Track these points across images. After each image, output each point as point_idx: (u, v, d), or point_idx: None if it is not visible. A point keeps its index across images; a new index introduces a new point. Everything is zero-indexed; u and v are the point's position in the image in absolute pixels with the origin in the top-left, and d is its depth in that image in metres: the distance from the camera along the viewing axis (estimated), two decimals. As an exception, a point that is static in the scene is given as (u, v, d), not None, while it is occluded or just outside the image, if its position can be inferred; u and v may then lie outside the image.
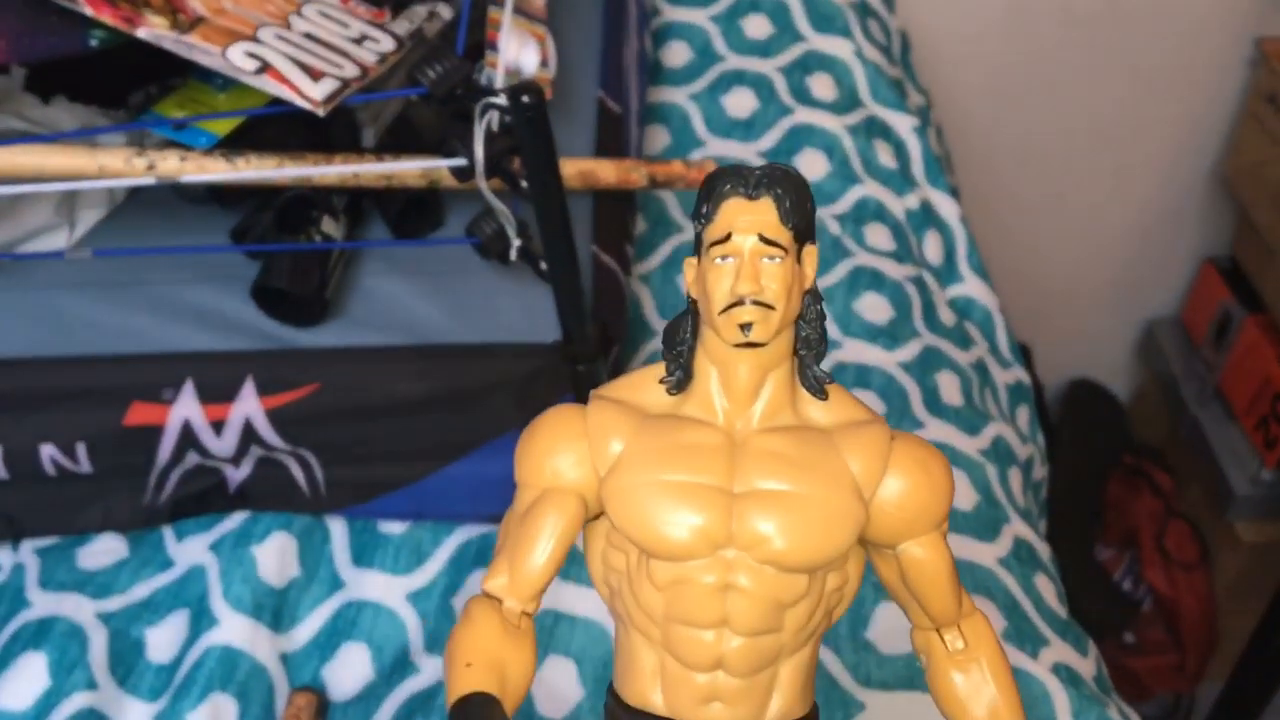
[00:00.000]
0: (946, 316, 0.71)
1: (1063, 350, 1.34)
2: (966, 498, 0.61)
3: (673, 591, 0.24)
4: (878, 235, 0.73)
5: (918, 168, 0.78)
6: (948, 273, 0.76)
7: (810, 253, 0.26)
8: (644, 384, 0.26)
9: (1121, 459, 1.31)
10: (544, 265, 0.55)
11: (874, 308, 0.68)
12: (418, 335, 0.58)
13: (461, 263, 0.59)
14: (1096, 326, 1.37)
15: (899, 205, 0.75)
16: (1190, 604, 1.23)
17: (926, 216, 0.76)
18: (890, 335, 0.67)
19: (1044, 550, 0.62)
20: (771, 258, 0.25)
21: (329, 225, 0.59)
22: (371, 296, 0.59)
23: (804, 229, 0.26)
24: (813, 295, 0.26)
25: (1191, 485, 1.27)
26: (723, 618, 0.24)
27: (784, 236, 0.25)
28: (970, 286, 0.76)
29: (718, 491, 0.24)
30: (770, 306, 0.25)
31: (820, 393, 0.26)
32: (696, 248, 0.26)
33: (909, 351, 0.66)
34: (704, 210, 0.26)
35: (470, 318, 0.58)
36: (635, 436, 0.25)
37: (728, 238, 0.25)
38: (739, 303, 0.24)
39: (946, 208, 0.78)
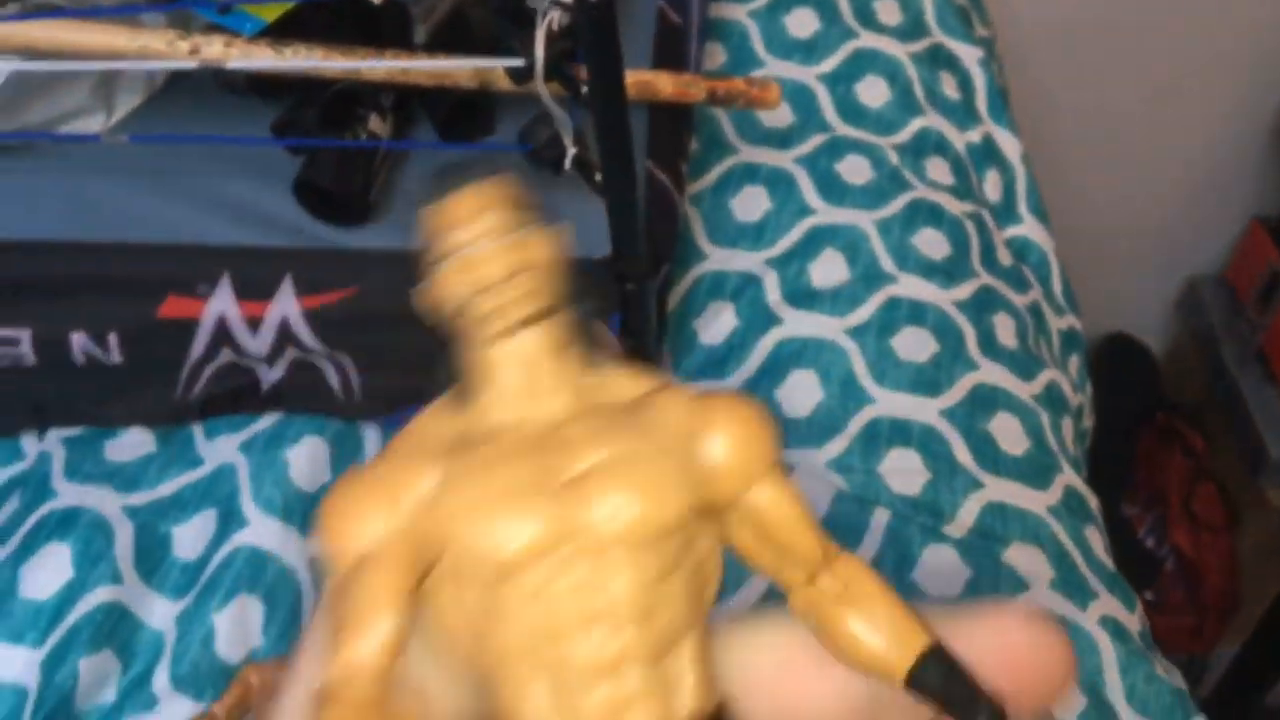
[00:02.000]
0: (1004, 257, 0.69)
1: (1100, 303, 1.31)
2: (1018, 443, 0.59)
3: (542, 601, 0.21)
4: (938, 169, 0.70)
5: (982, 101, 0.75)
6: (1006, 212, 0.74)
7: None
8: (427, 424, 0.23)
9: (1154, 417, 1.29)
10: (599, 177, 0.53)
11: (931, 243, 0.65)
12: (463, 242, 0.56)
13: (512, 170, 0.56)
14: (1137, 280, 1.34)
15: (960, 139, 0.73)
16: (1213, 567, 1.22)
17: (988, 153, 0.74)
18: (947, 273, 0.64)
19: (1093, 502, 0.61)
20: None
21: (375, 124, 0.57)
22: (416, 201, 0.57)
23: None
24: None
25: (1224, 447, 1.25)
26: (603, 610, 0.21)
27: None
28: (1028, 228, 0.74)
29: (548, 480, 0.22)
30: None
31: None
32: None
33: (965, 290, 0.64)
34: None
35: (518, 227, 0.56)
36: (449, 462, 0.22)
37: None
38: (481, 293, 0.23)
39: (1009, 145, 0.75)
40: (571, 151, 0.53)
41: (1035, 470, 0.58)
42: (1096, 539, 0.58)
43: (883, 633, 0.22)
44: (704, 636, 0.22)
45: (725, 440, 0.22)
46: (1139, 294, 1.35)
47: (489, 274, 0.22)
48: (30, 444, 0.57)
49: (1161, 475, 1.27)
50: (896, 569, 0.52)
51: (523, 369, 0.22)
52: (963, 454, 0.58)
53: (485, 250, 0.23)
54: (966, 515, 0.56)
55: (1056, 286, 0.74)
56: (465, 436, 0.22)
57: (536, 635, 0.21)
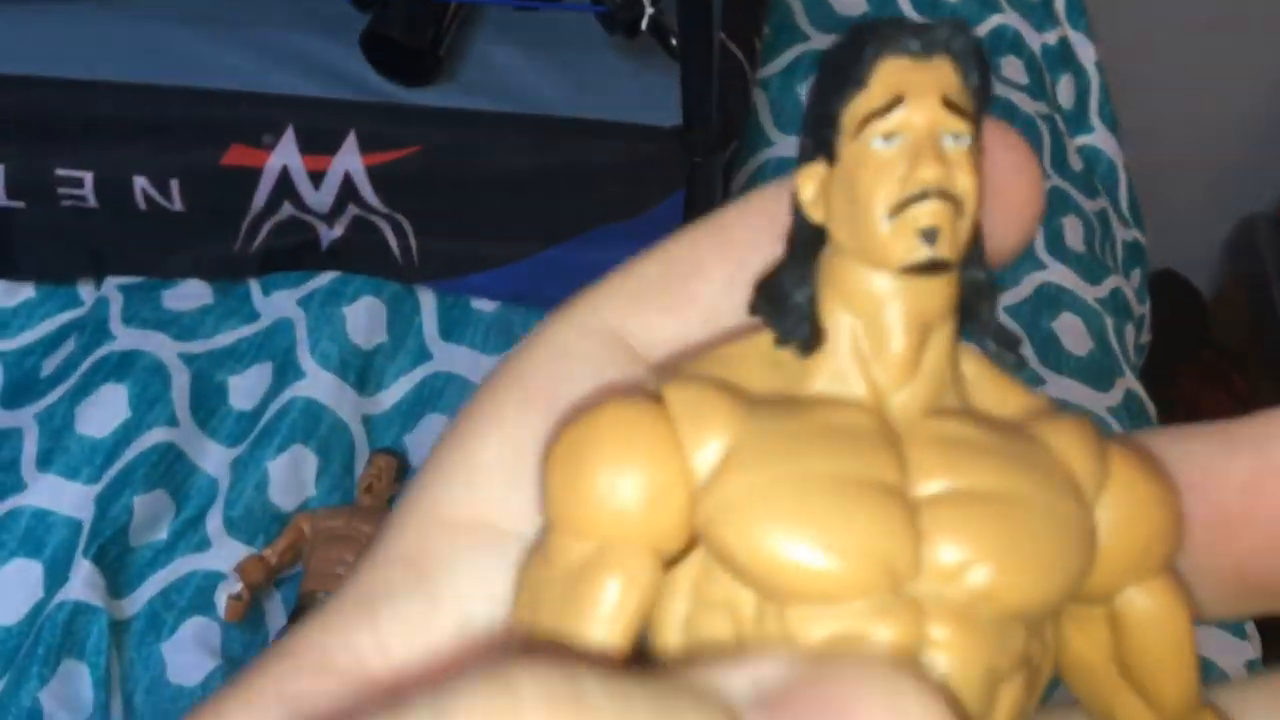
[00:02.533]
0: (1075, 162, 0.68)
1: (1151, 239, 1.29)
2: (1082, 343, 0.58)
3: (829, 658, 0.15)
4: (1012, 67, 0.68)
5: (1060, 3, 0.73)
6: (1077, 119, 0.72)
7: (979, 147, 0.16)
8: (738, 359, 0.16)
9: (1198, 357, 1.27)
10: (675, 41, 0.52)
11: (1003, 140, 0.64)
12: (529, 106, 0.55)
13: (584, 34, 0.55)
14: (1188, 217, 1.32)
15: (1036, 40, 0.71)
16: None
17: (1063, 56, 0.72)
18: (1017, 171, 0.63)
19: (1152, 408, 0.60)
20: (958, 137, 0.15)
21: (448, -21, 0.56)
22: (485, 61, 0.56)
23: (982, 108, 0.16)
24: (979, 229, 0.16)
25: (1267, 391, 1.23)
26: None
27: (970, 107, 0.15)
28: (1099, 138, 0.72)
29: (891, 492, 0.15)
30: (959, 203, 0.15)
31: (1013, 357, 0.16)
32: (824, 137, 0.16)
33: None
34: (847, 76, 0.15)
35: (586, 93, 0.55)
36: (746, 424, 0.15)
37: (895, 103, 0.15)
38: (919, 197, 0.15)
39: (1084, 51, 0.73)
40: (649, 13, 0.52)
41: (1097, 371, 0.57)
42: (1155, 444, 0.57)
43: None
44: None
45: (1132, 510, 0.16)
46: (1190, 231, 1.33)
47: (950, 179, 0.15)
48: (88, 291, 0.57)
49: (1201, 416, 1.26)
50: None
51: (898, 331, 0.16)
52: (1026, 352, 0.57)
53: (953, 152, 0.15)
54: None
55: (1123, 199, 0.72)
56: (779, 397, 0.16)
57: None
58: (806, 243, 0.16)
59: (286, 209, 0.55)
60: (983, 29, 0.68)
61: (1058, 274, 0.60)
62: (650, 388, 0.15)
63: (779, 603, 0.14)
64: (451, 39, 0.56)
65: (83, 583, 0.48)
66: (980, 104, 0.15)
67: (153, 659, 0.48)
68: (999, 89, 0.66)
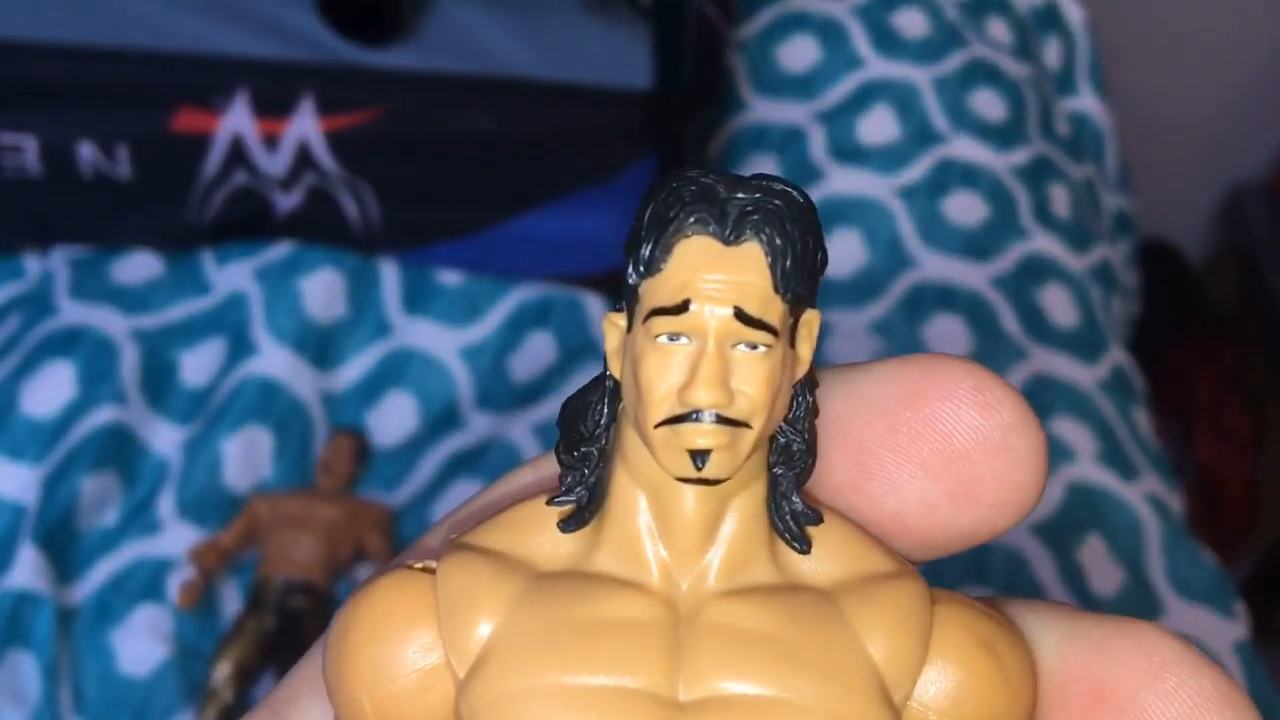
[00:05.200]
0: (1062, 126, 0.66)
1: (1138, 209, 1.27)
2: (1069, 315, 0.56)
3: None
4: (998, 28, 0.66)
5: (1048, -37, 0.71)
6: (1064, 82, 0.70)
7: (811, 321, 0.15)
8: (534, 523, 0.15)
9: (1187, 327, 1.26)
10: (645, 2, 0.50)
11: (989, 104, 0.62)
12: (494, 67, 0.52)
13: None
14: (1177, 186, 1.30)
15: (1024, 0, 0.68)
16: (1235, 481, 1.20)
17: (1051, 18, 0.70)
18: (1003, 136, 0.61)
19: (1139, 381, 0.58)
20: (753, 345, 0.14)
21: (408, -65, 0.53)
22: (447, 21, 0.54)
23: (804, 296, 0.15)
24: (805, 385, 0.15)
25: (1257, 361, 1.22)
26: None
27: (775, 311, 0.14)
28: (1087, 102, 0.70)
29: (653, 702, 0.14)
30: (744, 425, 0.14)
31: (800, 541, 0.15)
32: (624, 298, 0.15)
33: (1022, 156, 0.61)
34: (647, 250, 0.14)
35: (553, 54, 0.53)
36: (516, 610, 0.14)
37: (683, 306, 0.14)
38: (692, 415, 0.14)
39: (1072, 12, 0.71)
40: (617, -31, 0.50)
41: (1085, 345, 0.55)
42: (1142, 418, 0.55)
43: None
44: None
45: (955, 692, 0.14)
46: (1179, 199, 1.31)
47: (729, 400, 0.14)
48: (33, 263, 0.55)
49: (1190, 386, 1.25)
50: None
51: (687, 512, 0.15)
52: (1010, 323, 0.55)
53: (743, 362, 0.14)
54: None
55: (1111, 165, 0.70)
56: (572, 568, 0.15)
57: None
58: (610, 389, 0.15)
59: (240, 177, 0.53)
60: (968, -11, 0.66)
61: (1044, 243, 0.58)
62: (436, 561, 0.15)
63: None
64: (412, -3, 0.53)
65: (28, 569, 0.46)
66: (802, 288, 0.14)
67: (102, 648, 0.46)
68: (985, 51, 0.64)
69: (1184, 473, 1.23)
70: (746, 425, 0.14)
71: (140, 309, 0.53)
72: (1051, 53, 0.69)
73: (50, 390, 0.49)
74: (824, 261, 0.15)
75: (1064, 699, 0.15)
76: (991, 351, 0.54)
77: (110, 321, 0.52)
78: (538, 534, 0.15)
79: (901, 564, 0.15)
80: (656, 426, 0.14)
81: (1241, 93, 1.23)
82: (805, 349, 0.15)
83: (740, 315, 0.14)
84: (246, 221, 0.55)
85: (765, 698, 0.14)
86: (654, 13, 0.49)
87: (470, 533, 0.15)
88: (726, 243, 0.14)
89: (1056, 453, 0.50)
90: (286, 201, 0.54)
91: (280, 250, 0.54)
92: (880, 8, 0.64)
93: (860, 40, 0.63)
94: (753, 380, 0.14)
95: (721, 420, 0.14)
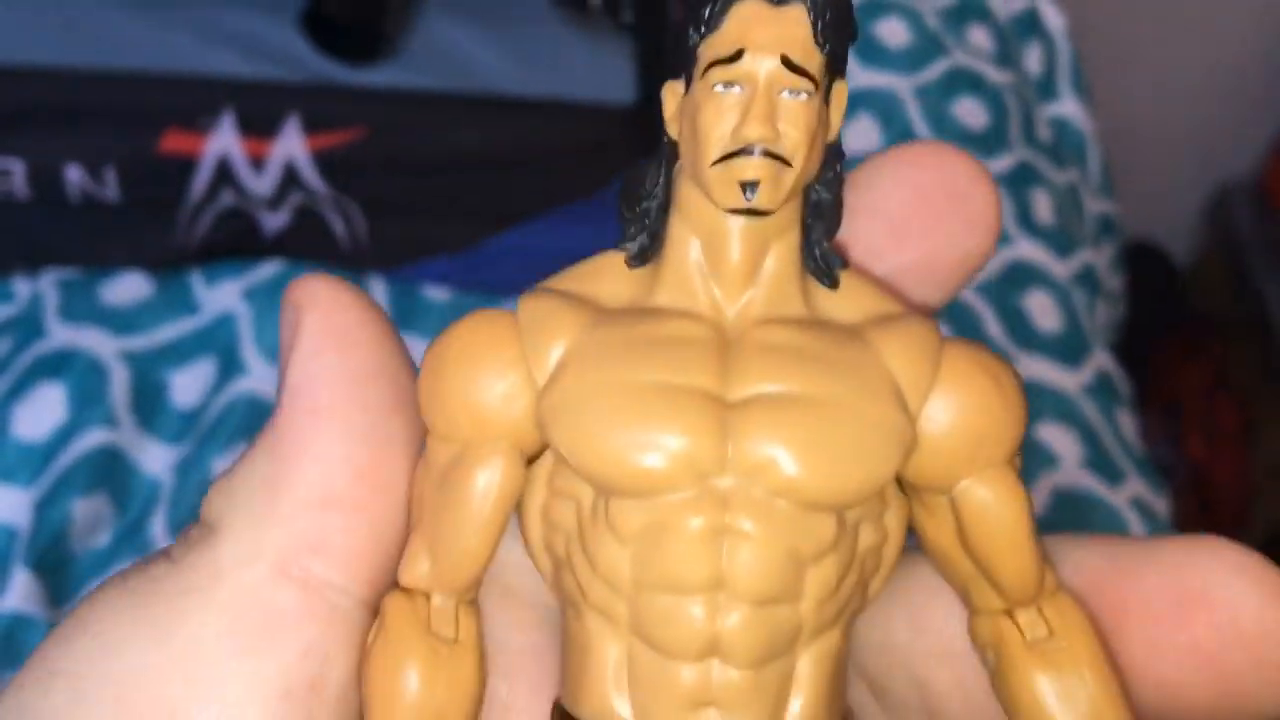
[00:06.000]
0: (1044, 132, 0.66)
1: (1124, 209, 1.28)
2: (1053, 320, 0.56)
3: (645, 543, 0.16)
4: (979, 35, 0.67)
5: (1027, -31, 0.71)
6: (1046, 88, 0.70)
7: (840, 90, 0.17)
8: (600, 272, 0.18)
9: (1175, 327, 1.26)
10: (627, 16, 0.50)
11: (971, 112, 0.62)
12: (479, 83, 0.53)
13: (533, 9, 0.53)
14: (1163, 186, 1.31)
15: (1004, 7, 0.69)
16: (1226, 478, 1.21)
17: (1031, 24, 0.70)
18: (985, 144, 0.61)
19: (1125, 388, 0.58)
20: (795, 92, 0.16)
21: (390, -46, 0.54)
22: (431, 38, 0.54)
23: (840, 56, 0.17)
24: (834, 150, 0.17)
25: (1246, 359, 1.23)
26: (717, 578, 0.16)
27: (815, 63, 0.16)
28: (1068, 107, 0.70)
29: (704, 397, 0.16)
30: (786, 161, 0.16)
31: (828, 277, 0.17)
32: (683, 64, 0.17)
33: (1004, 163, 0.61)
34: (707, 11, 0.17)
35: (537, 71, 0.53)
36: (586, 333, 0.17)
37: (737, 56, 0.16)
38: (744, 151, 0.16)
39: (1053, 18, 0.71)
40: (599, -14, 0.50)
41: (1068, 349, 0.56)
42: (1127, 422, 0.56)
43: (1077, 710, 0.16)
44: (845, 639, 0.17)
45: (961, 406, 0.17)
46: (1165, 200, 1.31)
47: (776, 138, 0.16)
48: (22, 285, 0.55)
49: (1180, 385, 1.26)
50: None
51: (734, 252, 0.17)
52: (994, 328, 0.55)
53: (787, 107, 0.16)
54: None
55: (1094, 169, 0.71)
56: (627, 308, 0.17)
57: (626, 582, 0.16)
58: (668, 152, 0.17)
59: (227, 197, 0.53)
60: (948, -3, 0.67)
61: (1026, 249, 0.58)
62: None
63: (604, 494, 0.16)
64: (396, 16, 0.54)
65: (21, 593, 0.46)
66: (838, 47, 0.17)
67: (96, 668, 0.46)
68: (966, 59, 0.64)
69: (1175, 471, 1.24)
70: (788, 163, 0.16)
71: (130, 330, 0.53)
72: (1032, 59, 0.70)
73: (41, 413, 0.50)
74: (855, 33, 0.17)
75: (1151, 611, 0.16)
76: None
77: (100, 343, 0.52)
78: (604, 279, 0.18)
79: (915, 310, 0.18)
80: (712, 165, 0.16)
81: (1226, 93, 1.24)
82: (836, 115, 0.17)
83: (786, 63, 0.16)
84: (234, 241, 0.55)
85: (800, 394, 0.16)
86: (636, 27, 0.49)
87: (544, 282, 0.18)
88: (775, 4, 0.16)
89: (1041, 459, 0.51)
90: (274, 221, 0.55)
91: (269, 269, 0.54)
92: (862, 18, 0.64)
93: (842, 50, 0.63)
94: (796, 122, 0.16)
95: (768, 155, 0.16)
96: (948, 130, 0.61)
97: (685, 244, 0.17)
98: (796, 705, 0.16)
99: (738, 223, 0.17)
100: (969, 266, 0.18)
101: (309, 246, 0.55)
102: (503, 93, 0.52)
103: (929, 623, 0.18)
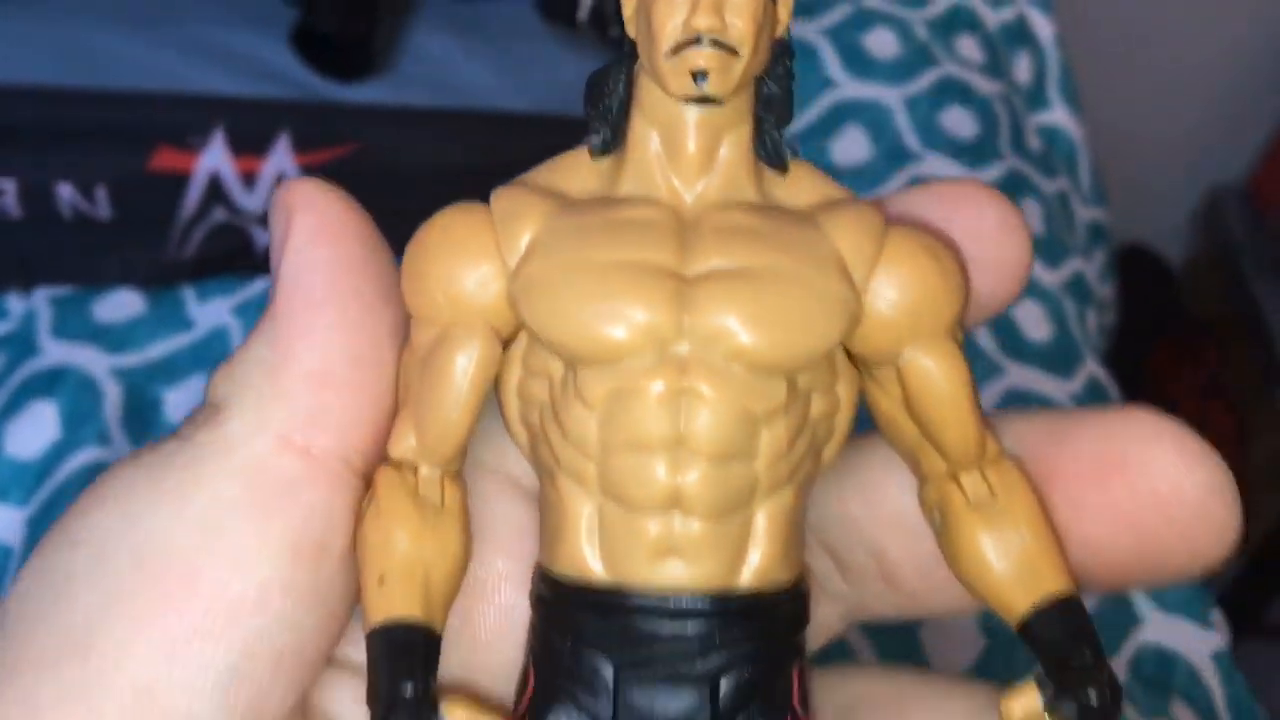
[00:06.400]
0: (1033, 141, 0.66)
1: (1117, 212, 1.28)
2: (1042, 329, 0.57)
3: (611, 408, 0.17)
4: (968, 46, 0.67)
5: (1016, -22, 0.72)
6: (1036, 96, 0.70)
7: None
8: (568, 167, 0.19)
9: (1169, 330, 1.27)
10: (615, 32, 0.50)
11: (960, 122, 0.62)
12: (469, 100, 0.53)
13: (522, 25, 0.53)
14: (1155, 189, 1.31)
15: (993, 17, 0.69)
16: (1221, 480, 1.21)
17: (1021, 33, 0.70)
18: (974, 154, 0.62)
19: (1115, 393, 0.59)
20: None
21: (380, -29, 0.54)
22: (421, 55, 0.54)
23: None
24: (782, 47, 0.19)
25: (1238, 362, 1.23)
26: (677, 437, 0.17)
27: None
28: (1058, 115, 0.71)
29: (663, 273, 0.17)
30: (733, 51, 0.17)
31: (779, 162, 0.19)
32: None
33: (993, 173, 0.61)
34: None
35: (528, 86, 0.53)
36: (554, 219, 0.18)
37: None
38: (694, 41, 0.17)
39: (1042, 27, 0.72)
40: (588, 3, 0.50)
41: (1058, 358, 0.56)
42: (1119, 431, 0.56)
43: (1013, 563, 0.18)
44: (800, 499, 0.18)
45: (902, 280, 0.18)
46: (1158, 203, 1.32)
47: (723, 28, 0.17)
48: (15, 302, 0.55)
49: (1173, 389, 1.26)
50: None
51: (690, 141, 0.18)
52: (984, 339, 0.56)
53: (733, 1, 0.17)
54: (985, 401, 0.54)
55: (1085, 177, 0.71)
56: (593, 197, 0.19)
57: (595, 445, 0.18)
58: (629, 53, 0.19)
59: (219, 214, 0.53)
60: (936, 6, 0.67)
61: (1017, 259, 0.59)
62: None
63: (572, 366, 0.18)
64: (386, 33, 0.54)
65: (14, 610, 0.46)
66: None
67: (90, 686, 0.46)
68: (955, 70, 0.65)
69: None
70: (736, 52, 0.17)
71: (122, 347, 0.53)
72: (1022, 68, 0.70)
73: (34, 431, 0.50)
74: None
75: (1076, 474, 0.18)
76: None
77: (93, 360, 0.52)
78: (572, 173, 0.19)
79: (853, 195, 0.19)
80: (665, 57, 0.18)
81: (1218, 96, 1.24)
82: (784, 12, 0.18)
83: None
84: (227, 257, 0.55)
85: (752, 268, 0.17)
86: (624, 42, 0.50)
87: (515, 179, 0.19)
88: None
89: (1032, 469, 0.51)
90: (266, 237, 0.55)
91: (261, 285, 0.54)
92: (851, 28, 0.65)
93: (831, 61, 0.63)
94: (742, 14, 0.17)
95: (716, 45, 0.17)
96: (937, 141, 0.61)
97: (645, 137, 0.19)
98: (755, 556, 0.18)
99: (693, 114, 0.18)
100: (988, 310, 0.19)
101: (301, 262, 0.55)
102: (492, 109, 0.53)
103: (882, 496, 0.20)
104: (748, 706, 0.18)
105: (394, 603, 0.18)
